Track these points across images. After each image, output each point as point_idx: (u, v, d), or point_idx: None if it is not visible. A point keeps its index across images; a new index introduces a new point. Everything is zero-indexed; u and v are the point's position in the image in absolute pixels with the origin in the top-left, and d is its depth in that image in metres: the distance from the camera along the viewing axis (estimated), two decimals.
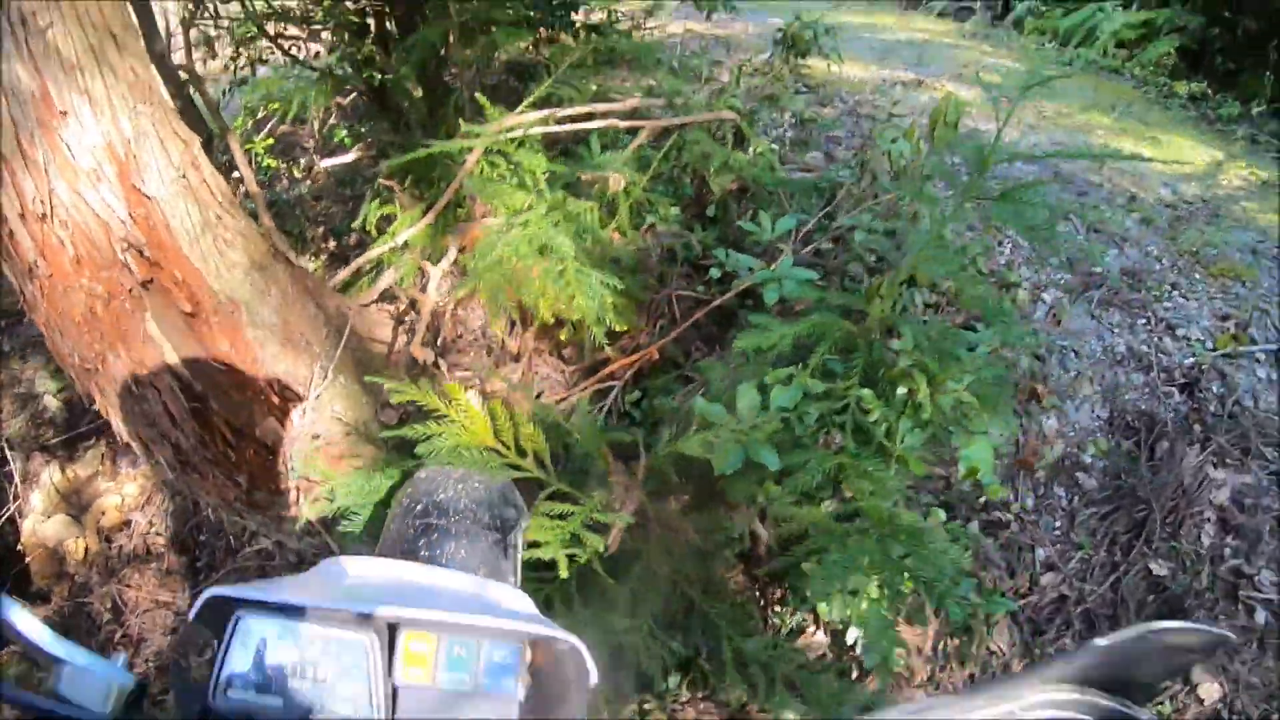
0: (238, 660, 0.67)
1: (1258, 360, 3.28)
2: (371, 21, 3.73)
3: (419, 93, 3.55)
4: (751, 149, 3.24)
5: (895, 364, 2.17)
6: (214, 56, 4.84)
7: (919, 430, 2.12)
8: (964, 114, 4.59)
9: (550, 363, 3.19)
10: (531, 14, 3.58)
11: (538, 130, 3.02)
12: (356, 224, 3.44)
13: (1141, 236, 3.77)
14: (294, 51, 4.22)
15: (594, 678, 0.71)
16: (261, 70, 4.61)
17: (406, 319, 3.10)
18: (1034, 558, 2.80)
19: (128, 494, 3.48)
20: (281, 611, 0.68)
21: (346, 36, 3.81)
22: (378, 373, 2.80)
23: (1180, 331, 3.32)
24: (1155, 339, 3.27)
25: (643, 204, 3.08)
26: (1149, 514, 2.81)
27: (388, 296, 3.16)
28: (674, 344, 2.93)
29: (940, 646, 2.74)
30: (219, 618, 0.68)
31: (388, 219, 3.35)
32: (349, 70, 3.87)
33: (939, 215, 2.25)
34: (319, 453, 2.53)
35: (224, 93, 4.86)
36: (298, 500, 2.54)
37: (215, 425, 2.37)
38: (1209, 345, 3.28)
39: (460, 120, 3.06)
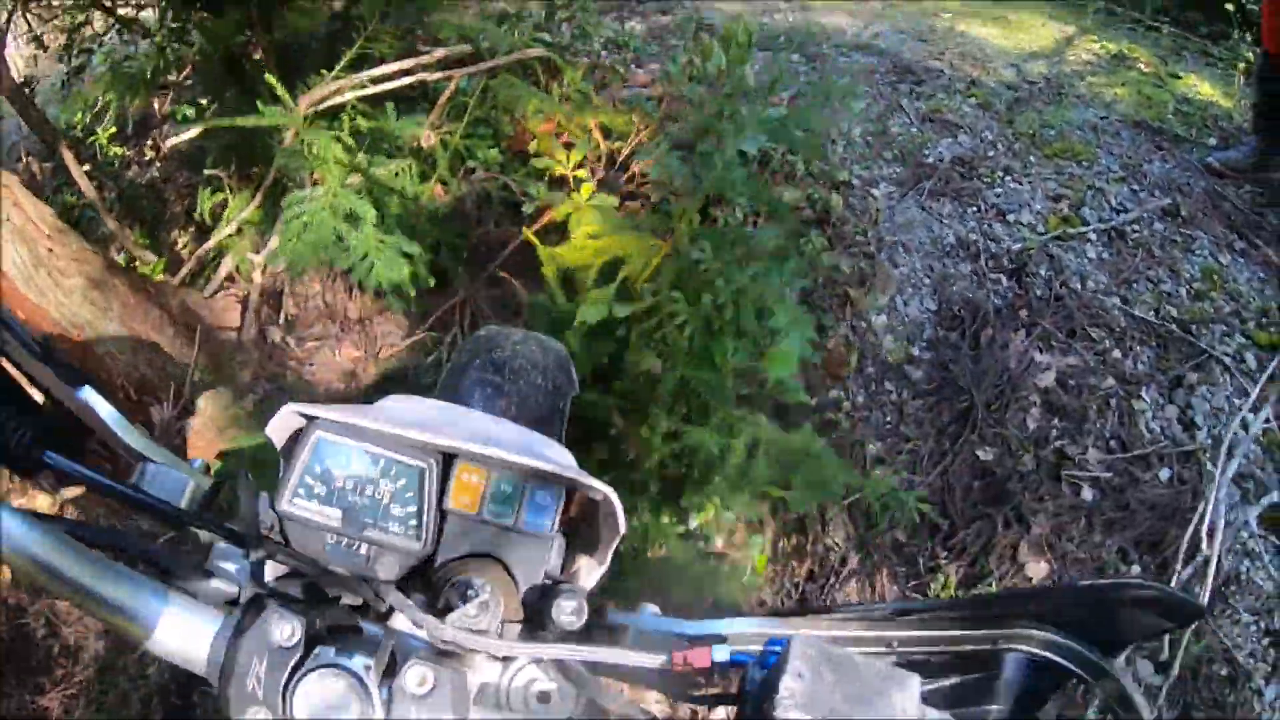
0: (307, 471, 0.73)
1: (1089, 240, 3.30)
2: None
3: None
4: (565, 82, 3.15)
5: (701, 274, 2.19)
6: (44, 50, 4.61)
7: (732, 340, 2.15)
8: (809, 7, 4.54)
9: (392, 319, 3.16)
10: None
11: (353, 94, 2.94)
12: (197, 213, 3.36)
13: (978, 122, 3.75)
14: (127, 17, 3.95)
15: (623, 527, 0.75)
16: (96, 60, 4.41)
17: (250, 301, 3.08)
18: (865, 453, 2.82)
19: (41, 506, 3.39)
20: (352, 432, 0.74)
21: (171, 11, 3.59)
22: (230, 358, 2.88)
23: (1011, 217, 3.32)
24: (985, 226, 3.27)
25: (463, 151, 3.01)
26: (973, 402, 2.85)
27: (233, 279, 3.17)
28: (490, 281, 2.92)
29: (780, 545, 2.77)
30: (292, 431, 0.75)
31: (223, 204, 3.31)
32: (178, 44, 3.69)
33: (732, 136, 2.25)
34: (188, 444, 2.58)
35: (63, 83, 4.64)
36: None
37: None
38: (1040, 229, 3.29)
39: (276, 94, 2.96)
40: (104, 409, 0.82)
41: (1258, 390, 2.68)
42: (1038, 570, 2.66)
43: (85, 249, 2.50)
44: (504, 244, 2.99)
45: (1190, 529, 2.54)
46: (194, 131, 3.82)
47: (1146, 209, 3.42)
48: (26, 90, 3.56)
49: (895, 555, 2.71)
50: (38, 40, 4.41)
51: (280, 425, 0.74)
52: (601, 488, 0.74)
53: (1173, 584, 2.57)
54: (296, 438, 0.75)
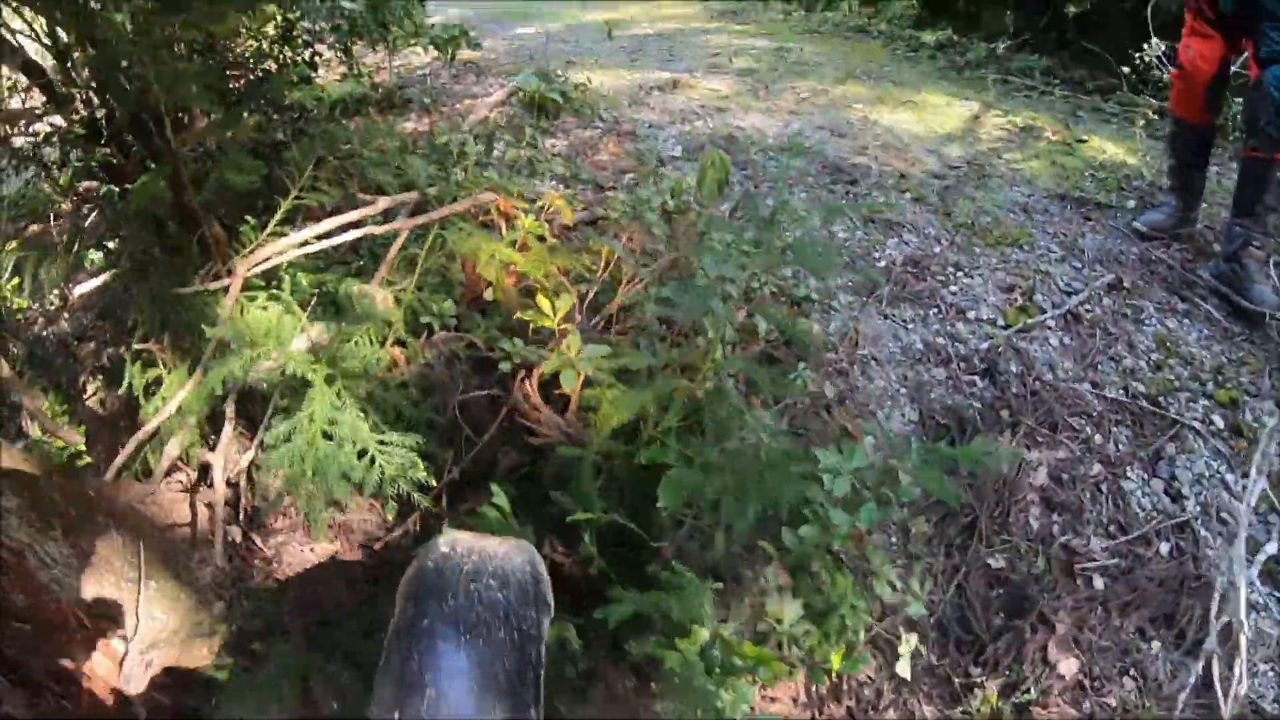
0: None
1: (1048, 328, 3.36)
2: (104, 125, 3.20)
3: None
4: (519, 225, 3.08)
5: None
6: None
7: None
8: (724, 109, 4.60)
9: (364, 503, 2.98)
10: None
11: (295, 253, 2.82)
12: (122, 389, 3.05)
13: (917, 218, 3.82)
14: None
15: None
16: None
17: (202, 492, 2.83)
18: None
19: None
20: None
21: (73, 147, 3.34)
22: (186, 561, 2.62)
23: (971, 314, 3.37)
24: (949, 327, 3.31)
25: (417, 307, 2.90)
26: (976, 511, 2.85)
27: (177, 468, 2.90)
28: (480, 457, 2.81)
29: (812, 688, 2.70)
30: None
31: (158, 381, 2.97)
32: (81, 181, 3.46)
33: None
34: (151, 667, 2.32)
35: None
36: None
37: (42, 686, 2.10)
38: (1000, 323, 3.35)
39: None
40: None
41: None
42: (1069, 667, 2.65)
43: (17, 453, 2.20)
44: (483, 407, 2.88)
45: (1206, 598, 2.60)
46: (103, 279, 3.52)
47: (1093, 287, 3.51)
48: None
49: (930, 678, 2.68)
50: None
51: None
52: None
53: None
54: None
